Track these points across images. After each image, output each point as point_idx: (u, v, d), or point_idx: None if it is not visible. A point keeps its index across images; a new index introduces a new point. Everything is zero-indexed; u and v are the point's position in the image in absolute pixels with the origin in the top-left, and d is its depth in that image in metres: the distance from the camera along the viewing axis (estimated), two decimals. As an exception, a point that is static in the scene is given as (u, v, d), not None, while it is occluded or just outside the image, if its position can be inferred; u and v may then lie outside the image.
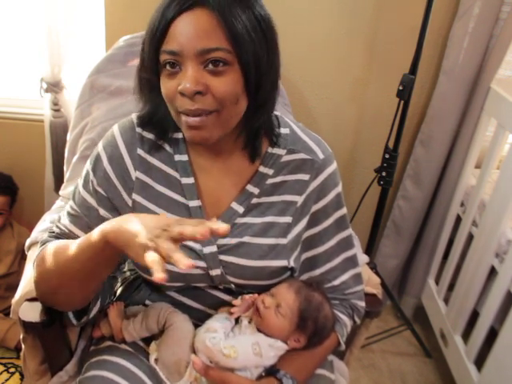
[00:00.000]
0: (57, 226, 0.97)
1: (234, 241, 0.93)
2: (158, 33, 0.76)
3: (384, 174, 1.66)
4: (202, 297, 0.99)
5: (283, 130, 0.96)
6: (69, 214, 0.96)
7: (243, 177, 0.95)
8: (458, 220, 1.85)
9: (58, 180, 1.88)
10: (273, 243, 0.93)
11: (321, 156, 0.96)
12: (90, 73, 1.52)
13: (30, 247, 1.24)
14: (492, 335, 1.50)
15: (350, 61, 1.81)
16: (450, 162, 1.86)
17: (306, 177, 0.95)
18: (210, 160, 0.93)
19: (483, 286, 1.59)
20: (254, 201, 0.94)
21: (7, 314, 1.77)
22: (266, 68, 0.81)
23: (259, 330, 0.92)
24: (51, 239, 0.95)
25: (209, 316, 0.96)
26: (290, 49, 1.78)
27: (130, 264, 1.13)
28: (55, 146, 1.87)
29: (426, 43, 1.49)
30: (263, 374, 0.92)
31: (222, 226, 0.66)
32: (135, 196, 0.92)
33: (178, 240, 0.67)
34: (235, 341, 0.89)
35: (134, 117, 0.95)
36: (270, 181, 0.94)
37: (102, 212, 0.93)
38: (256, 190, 0.94)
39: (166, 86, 0.79)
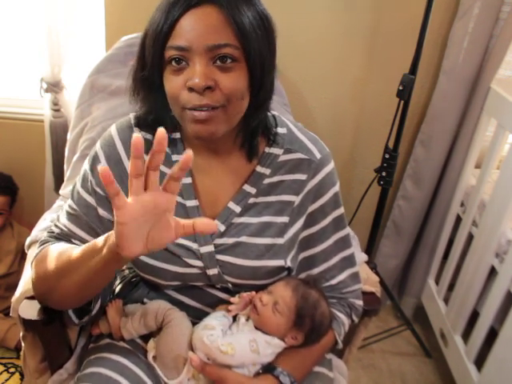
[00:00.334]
0: (56, 226, 0.97)
1: (230, 240, 0.93)
2: (165, 30, 0.76)
3: (384, 173, 1.66)
4: (199, 295, 0.99)
5: (280, 130, 0.96)
6: (68, 213, 0.96)
7: (240, 176, 0.95)
8: (458, 220, 1.84)
9: (58, 180, 1.88)
10: (270, 243, 0.93)
11: (318, 155, 0.96)
12: (90, 73, 1.52)
13: (30, 246, 1.24)
14: (492, 335, 1.50)
15: (350, 61, 1.81)
16: (449, 161, 1.86)
17: (303, 176, 0.95)
18: (208, 160, 0.93)
19: (483, 286, 1.59)
20: (251, 200, 0.94)
21: (7, 314, 1.76)
22: (268, 66, 0.82)
23: (257, 328, 0.93)
24: (51, 239, 0.95)
25: (206, 314, 0.97)
26: (289, 48, 1.78)
27: (128, 262, 1.13)
28: (55, 145, 1.87)
29: (426, 43, 1.49)
30: (260, 371, 0.92)
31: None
32: None
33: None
34: (233, 338, 0.90)
35: (131, 117, 0.95)
36: (267, 180, 0.94)
37: (101, 211, 0.93)
38: (253, 190, 0.94)
39: (172, 82, 0.79)
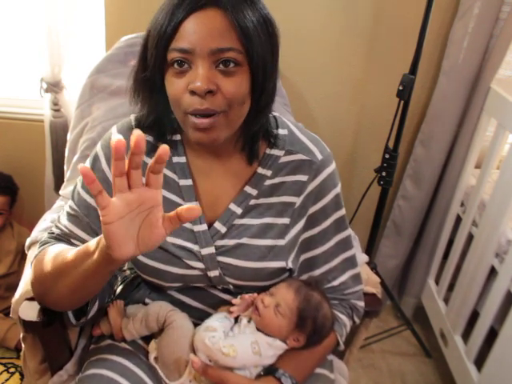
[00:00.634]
0: (56, 227, 0.97)
1: (232, 242, 0.93)
2: (168, 32, 0.76)
3: (384, 173, 1.66)
4: (201, 296, 0.99)
5: (281, 131, 0.96)
6: (68, 214, 0.95)
7: (241, 178, 0.94)
8: (458, 220, 1.84)
9: (58, 180, 1.88)
10: (271, 244, 0.93)
11: (319, 157, 0.96)
12: (90, 73, 1.52)
13: (30, 246, 1.24)
14: (492, 335, 1.50)
15: (350, 61, 1.81)
16: (449, 161, 1.86)
17: (304, 178, 0.95)
18: (209, 162, 0.93)
19: (483, 286, 1.59)
20: (253, 202, 0.94)
21: (7, 314, 1.76)
22: (270, 71, 0.82)
23: (258, 329, 0.92)
24: (51, 240, 0.95)
25: (208, 315, 0.97)
26: (290, 49, 1.78)
27: (129, 263, 1.13)
28: (55, 145, 1.87)
29: (426, 43, 1.49)
30: (262, 373, 0.92)
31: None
32: None
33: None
34: (234, 340, 0.89)
35: (132, 118, 0.95)
36: (268, 182, 0.94)
37: None
38: (254, 192, 0.94)
39: (174, 85, 0.78)
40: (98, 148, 0.94)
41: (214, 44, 0.75)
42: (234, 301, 0.95)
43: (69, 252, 0.82)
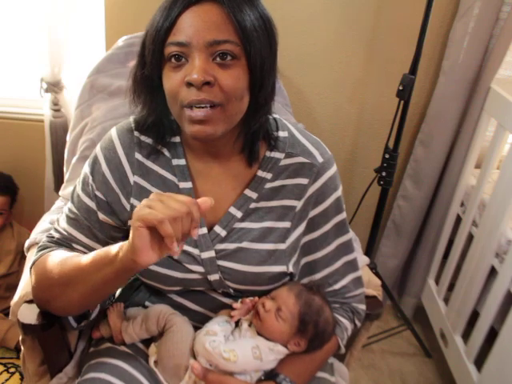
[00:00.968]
0: (56, 230, 0.96)
1: (232, 246, 0.92)
2: (165, 26, 0.76)
3: (384, 173, 1.66)
4: (202, 299, 0.99)
5: (282, 134, 0.95)
6: (68, 217, 0.94)
7: (241, 181, 0.94)
8: (458, 220, 1.84)
9: (58, 180, 1.88)
10: (271, 249, 0.93)
11: (320, 159, 0.95)
12: (89, 73, 1.52)
13: (29, 248, 1.24)
14: (492, 335, 1.50)
15: (350, 61, 1.81)
16: (449, 162, 1.86)
17: (304, 181, 0.94)
18: (208, 164, 0.93)
19: (483, 286, 1.59)
20: (253, 205, 0.93)
21: (7, 314, 1.76)
22: (268, 67, 0.81)
23: (259, 334, 0.92)
24: (51, 245, 0.94)
25: (209, 318, 0.96)
26: (290, 49, 1.78)
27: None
28: (55, 145, 1.87)
29: (425, 43, 1.49)
30: (263, 377, 0.92)
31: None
32: (133, 200, 0.92)
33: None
34: (235, 344, 0.89)
35: (132, 120, 0.94)
36: (268, 185, 0.93)
37: (102, 216, 0.92)
38: (254, 195, 0.93)
39: (171, 78, 0.78)
40: (98, 150, 0.94)
41: (211, 36, 0.74)
42: (235, 305, 0.94)
43: (80, 258, 0.83)
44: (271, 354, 0.90)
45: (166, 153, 0.93)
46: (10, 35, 1.86)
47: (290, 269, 0.94)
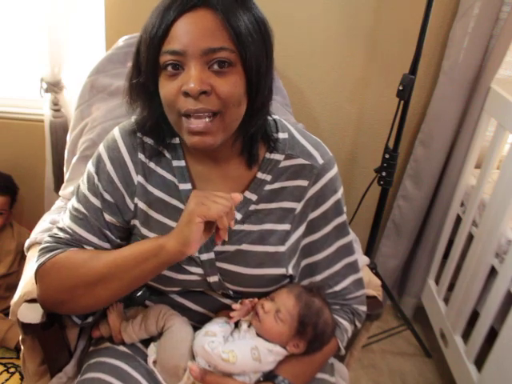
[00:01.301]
0: (62, 230, 0.94)
1: (231, 248, 0.92)
2: (159, 34, 0.75)
3: (384, 173, 1.66)
4: (202, 299, 0.99)
5: (281, 135, 0.94)
6: (76, 218, 0.93)
7: (241, 183, 0.93)
8: (458, 220, 1.84)
9: (58, 180, 1.88)
10: (271, 251, 0.92)
11: (320, 161, 0.94)
12: (89, 73, 1.52)
13: (29, 248, 1.24)
14: (492, 335, 1.50)
15: (350, 61, 1.81)
16: (450, 162, 1.86)
17: (304, 183, 0.93)
18: (208, 166, 0.92)
19: (483, 286, 1.59)
20: (252, 208, 0.93)
21: (7, 314, 1.76)
22: (264, 71, 0.81)
23: (258, 335, 0.92)
24: (60, 246, 0.92)
25: (208, 319, 0.96)
26: (290, 49, 1.78)
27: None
28: (55, 146, 1.87)
29: (425, 43, 1.49)
30: (261, 379, 0.91)
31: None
32: (137, 200, 0.92)
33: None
34: (234, 345, 0.89)
35: (133, 121, 0.94)
36: (268, 187, 0.93)
37: (108, 217, 0.92)
38: (254, 197, 0.93)
39: (167, 88, 0.77)
40: (101, 149, 0.93)
41: (206, 44, 0.74)
42: (234, 306, 0.94)
43: (113, 255, 0.85)
44: (270, 355, 0.90)
45: (167, 154, 0.93)
46: (10, 35, 1.86)
47: (290, 271, 0.94)
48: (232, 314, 0.93)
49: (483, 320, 1.54)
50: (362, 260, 1.29)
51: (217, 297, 0.98)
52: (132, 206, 0.92)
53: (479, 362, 1.56)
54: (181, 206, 0.92)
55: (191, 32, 0.74)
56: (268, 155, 0.93)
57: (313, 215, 0.95)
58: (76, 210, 0.93)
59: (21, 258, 1.91)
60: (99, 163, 0.92)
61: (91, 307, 0.91)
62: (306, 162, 0.93)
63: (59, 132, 1.84)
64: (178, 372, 0.91)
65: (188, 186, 0.92)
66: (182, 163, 0.93)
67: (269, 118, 0.92)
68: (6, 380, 1.66)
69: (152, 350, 0.96)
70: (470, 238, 1.72)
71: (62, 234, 0.93)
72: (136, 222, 0.93)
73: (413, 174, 1.92)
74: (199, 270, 0.92)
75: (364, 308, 1.05)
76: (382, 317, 2.10)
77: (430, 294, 1.99)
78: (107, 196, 0.91)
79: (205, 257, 0.92)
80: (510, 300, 1.44)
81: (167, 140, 0.92)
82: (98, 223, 0.92)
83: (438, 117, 1.79)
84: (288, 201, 0.93)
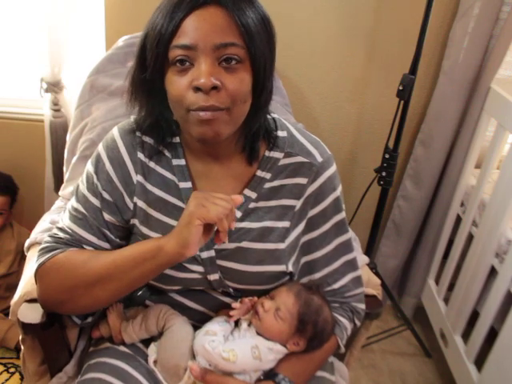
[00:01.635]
0: (61, 230, 0.94)
1: (231, 246, 0.92)
2: (170, 29, 0.75)
3: (384, 173, 1.66)
4: (202, 298, 0.99)
5: (281, 133, 0.95)
6: (76, 218, 0.93)
7: (241, 181, 0.94)
8: (458, 220, 1.84)
9: (58, 180, 1.88)
10: (271, 248, 0.93)
11: (319, 159, 0.95)
12: (89, 73, 1.52)
13: (29, 248, 1.24)
14: (492, 335, 1.50)
15: (350, 61, 1.81)
16: (450, 162, 1.86)
17: (303, 180, 0.94)
18: (208, 164, 0.92)
19: (483, 286, 1.59)
20: (252, 205, 0.93)
21: (7, 314, 1.76)
22: (269, 68, 0.82)
23: (259, 334, 0.92)
24: (60, 246, 0.92)
25: (209, 318, 0.96)
26: (290, 49, 1.78)
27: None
28: (55, 145, 1.87)
29: (425, 43, 1.49)
30: (262, 377, 0.91)
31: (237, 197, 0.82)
32: (136, 200, 0.92)
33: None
34: (234, 344, 0.89)
35: (132, 120, 0.94)
36: (267, 185, 0.93)
37: (107, 216, 0.92)
38: (253, 195, 0.93)
39: (176, 83, 0.77)
40: (100, 149, 0.93)
41: (218, 39, 0.74)
42: (234, 304, 0.94)
43: (112, 256, 0.85)
44: (270, 353, 0.90)
45: (167, 153, 0.93)
46: (10, 35, 1.86)
47: (290, 268, 0.94)
48: (232, 312, 0.93)
49: (483, 320, 1.54)
50: (362, 259, 1.29)
51: (217, 295, 0.98)
52: (131, 206, 0.92)
53: (479, 362, 1.56)
54: (181, 204, 0.92)
55: (202, 27, 0.74)
56: (268, 153, 0.94)
57: (312, 213, 0.96)
58: (75, 209, 0.93)
59: (21, 258, 1.91)
60: (98, 163, 0.93)
61: (91, 307, 0.91)
62: (305, 160, 0.94)
63: (59, 132, 1.84)
64: (178, 371, 0.91)
65: (188, 184, 0.92)
66: (182, 162, 0.93)
67: (268, 116, 0.93)
68: (6, 380, 1.66)
69: (152, 350, 0.96)
70: (470, 237, 1.72)
71: (61, 234, 0.94)
72: (135, 221, 0.93)
73: (413, 173, 1.92)
74: (200, 268, 0.92)
75: (363, 306, 1.06)
76: (382, 317, 2.10)
77: (429, 293, 1.99)
78: (106, 195, 0.91)
79: (205, 255, 0.92)
80: (510, 300, 1.44)
81: (167, 139, 0.92)
82: (97, 223, 0.92)
83: (438, 117, 1.79)
84: (287, 198, 0.94)
